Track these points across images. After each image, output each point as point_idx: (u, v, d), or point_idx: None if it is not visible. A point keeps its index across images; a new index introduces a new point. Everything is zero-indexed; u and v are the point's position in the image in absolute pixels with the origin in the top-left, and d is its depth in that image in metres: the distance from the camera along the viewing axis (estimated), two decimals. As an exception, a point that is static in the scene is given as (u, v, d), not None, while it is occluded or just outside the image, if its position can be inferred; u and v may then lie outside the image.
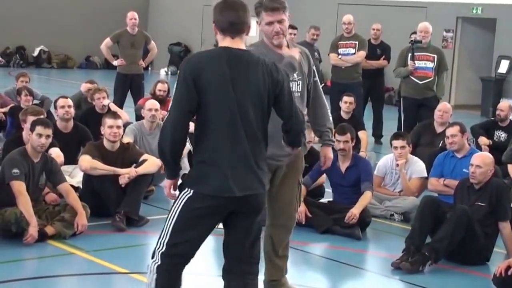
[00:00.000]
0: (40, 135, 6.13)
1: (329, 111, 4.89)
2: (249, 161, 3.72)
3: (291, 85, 4.51)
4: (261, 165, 3.81)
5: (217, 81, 3.67)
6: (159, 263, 3.79)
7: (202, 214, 3.73)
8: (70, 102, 7.91)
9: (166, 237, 3.77)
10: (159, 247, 3.79)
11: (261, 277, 5.04)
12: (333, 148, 5.03)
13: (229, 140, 3.69)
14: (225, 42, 3.79)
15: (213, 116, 3.68)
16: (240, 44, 3.78)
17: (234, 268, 3.95)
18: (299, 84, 4.68)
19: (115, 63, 11.70)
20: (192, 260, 5.44)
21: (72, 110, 7.86)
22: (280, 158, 4.68)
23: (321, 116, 4.85)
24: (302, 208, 6.59)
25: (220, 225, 7.02)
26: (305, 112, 4.78)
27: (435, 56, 10.28)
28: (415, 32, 12.51)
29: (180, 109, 3.68)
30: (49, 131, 6.24)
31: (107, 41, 11.77)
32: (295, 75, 4.66)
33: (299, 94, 4.68)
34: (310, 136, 7.17)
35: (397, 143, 7.47)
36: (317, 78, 4.83)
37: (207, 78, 3.67)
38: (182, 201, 3.75)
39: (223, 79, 3.68)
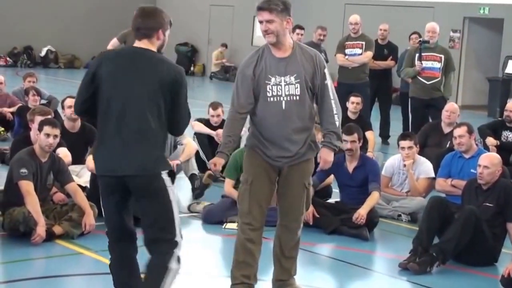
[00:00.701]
0: (48, 135, 6.15)
1: (336, 115, 4.81)
2: (135, 146, 4.06)
3: (287, 88, 4.64)
4: (151, 149, 4.08)
5: (113, 72, 4.11)
6: (108, 240, 4.32)
7: (104, 192, 4.23)
8: (77, 101, 7.91)
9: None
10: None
11: (269, 277, 5.05)
12: (340, 150, 5.01)
13: (117, 127, 4.08)
14: (135, 43, 4.24)
15: (106, 104, 4.10)
16: (146, 45, 4.17)
17: (148, 247, 4.18)
18: (297, 88, 4.70)
19: None
20: (199, 260, 5.47)
21: (80, 110, 7.86)
22: (279, 159, 4.74)
23: (325, 120, 4.83)
24: (310, 208, 6.58)
25: (229, 225, 7.05)
26: (305, 113, 4.76)
27: (442, 56, 10.26)
28: (415, 33, 12.52)
29: (78, 96, 4.23)
30: (57, 131, 6.26)
31: (114, 41, 11.75)
32: (292, 78, 4.69)
33: (297, 97, 4.70)
34: (318, 137, 7.17)
35: (405, 143, 7.46)
36: (327, 81, 4.79)
37: (106, 71, 4.12)
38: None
39: (119, 72, 4.11)
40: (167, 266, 4.06)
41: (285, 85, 4.68)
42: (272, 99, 4.68)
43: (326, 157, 4.86)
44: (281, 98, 4.68)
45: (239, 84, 4.75)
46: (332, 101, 4.81)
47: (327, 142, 4.85)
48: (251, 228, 4.78)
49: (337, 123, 4.83)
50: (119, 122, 4.06)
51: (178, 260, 4.11)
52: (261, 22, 4.67)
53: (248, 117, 4.85)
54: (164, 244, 4.09)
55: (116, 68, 4.11)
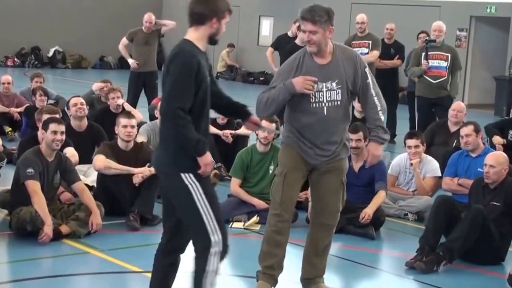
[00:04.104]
0: (55, 132, 6.17)
1: (381, 111, 4.88)
2: None
3: (329, 94, 4.74)
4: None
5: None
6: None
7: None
8: (82, 100, 7.98)
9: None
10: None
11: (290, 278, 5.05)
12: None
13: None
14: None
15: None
16: (189, 34, 4.18)
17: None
18: (338, 93, 4.77)
19: (130, 61, 11.73)
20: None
21: (85, 108, 7.89)
22: (317, 158, 4.80)
23: (371, 116, 4.89)
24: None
25: (235, 225, 7.04)
26: (344, 115, 4.84)
27: (449, 55, 10.25)
28: (423, 32, 12.49)
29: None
30: (63, 127, 6.30)
31: (124, 40, 11.85)
32: (334, 84, 4.75)
33: (338, 102, 4.77)
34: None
35: (411, 142, 7.46)
36: (369, 80, 4.85)
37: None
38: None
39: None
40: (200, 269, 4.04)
41: (326, 91, 4.75)
42: (314, 105, 4.75)
43: (374, 151, 4.90)
44: (323, 104, 4.76)
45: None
46: (375, 98, 4.89)
47: (374, 136, 4.90)
48: (280, 219, 4.85)
49: (382, 118, 4.90)
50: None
51: (215, 259, 4.04)
52: (304, 31, 4.74)
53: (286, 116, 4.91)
54: (196, 245, 4.05)
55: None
